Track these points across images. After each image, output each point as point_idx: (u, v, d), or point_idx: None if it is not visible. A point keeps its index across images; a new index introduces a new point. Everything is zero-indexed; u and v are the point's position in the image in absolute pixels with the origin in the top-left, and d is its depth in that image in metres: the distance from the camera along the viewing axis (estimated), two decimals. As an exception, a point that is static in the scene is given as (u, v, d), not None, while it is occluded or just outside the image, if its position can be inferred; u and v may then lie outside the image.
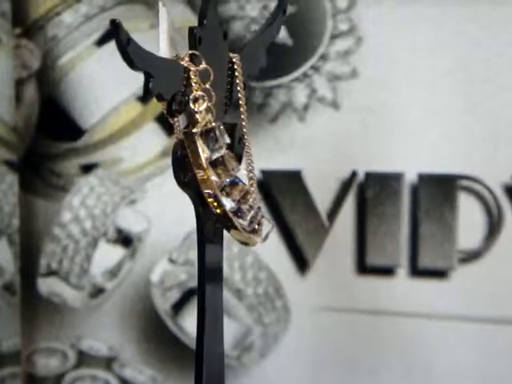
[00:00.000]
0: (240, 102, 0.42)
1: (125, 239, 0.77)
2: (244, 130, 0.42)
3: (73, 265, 0.78)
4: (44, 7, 0.76)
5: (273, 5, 0.71)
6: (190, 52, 0.39)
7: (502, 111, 0.67)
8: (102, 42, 0.75)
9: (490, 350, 0.70)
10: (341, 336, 0.73)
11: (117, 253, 0.78)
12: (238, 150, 0.43)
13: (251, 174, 0.43)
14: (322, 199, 0.72)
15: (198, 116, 0.39)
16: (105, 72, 0.75)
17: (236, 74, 0.42)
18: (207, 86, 0.40)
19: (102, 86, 0.76)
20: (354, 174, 0.70)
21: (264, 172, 0.72)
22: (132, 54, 0.37)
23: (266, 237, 0.42)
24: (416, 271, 0.70)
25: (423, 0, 0.67)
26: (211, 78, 0.40)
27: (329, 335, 0.73)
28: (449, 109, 0.68)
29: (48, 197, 0.78)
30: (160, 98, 0.38)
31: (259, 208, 0.42)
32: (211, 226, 0.43)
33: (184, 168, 0.41)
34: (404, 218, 0.70)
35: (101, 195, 0.77)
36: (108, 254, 0.78)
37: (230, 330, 0.75)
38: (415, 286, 0.71)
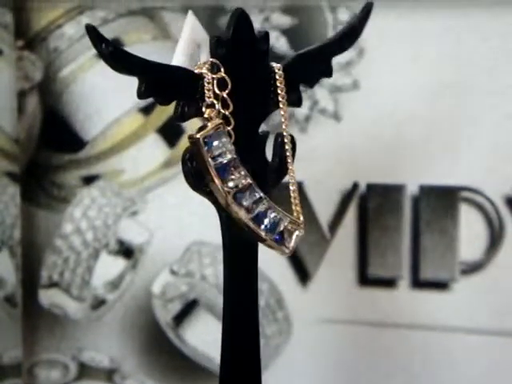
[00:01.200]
0: (281, 112, 0.43)
1: (126, 251, 0.77)
2: (285, 139, 0.44)
3: (74, 276, 0.78)
4: (46, 19, 0.76)
5: (274, 17, 0.71)
6: (210, 60, 0.41)
7: (502, 122, 0.67)
8: (103, 53, 0.75)
9: (493, 361, 0.69)
10: (342, 348, 0.73)
11: (118, 264, 0.78)
12: (276, 158, 0.44)
13: (292, 181, 0.44)
14: (324, 211, 0.72)
15: (208, 123, 0.40)
16: (106, 84, 0.75)
17: (277, 84, 0.43)
18: (224, 94, 0.41)
19: (104, 98, 0.76)
20: (355, 186, 0.70)
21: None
22: (111, 58, 0.38)
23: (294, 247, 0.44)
24: (418, 283, 0.70)
25: (425, 12, 0.68)
26: (229, 86, 0.41)
27: (330, 347, 0.73)
28: (450, 120, 0.68)
29: (49, 208, 0.78)
30: (159, 102, 0.40)
31: (282, 215, 0.43)
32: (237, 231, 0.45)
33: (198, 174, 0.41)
34: (405, 229, 0.70)
35: (102, 207, 0.77)
36: (109, 266, 0.78)
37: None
38: (417, 298, 0.71)
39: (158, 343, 0.77)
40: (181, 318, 0.77)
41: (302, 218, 0.45)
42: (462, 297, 0.69)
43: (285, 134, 0.43)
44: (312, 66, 0.45)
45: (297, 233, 0.44)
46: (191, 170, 0.41)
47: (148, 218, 0.76)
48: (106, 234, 0.77)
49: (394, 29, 0.69)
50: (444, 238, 0.69)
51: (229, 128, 0.41)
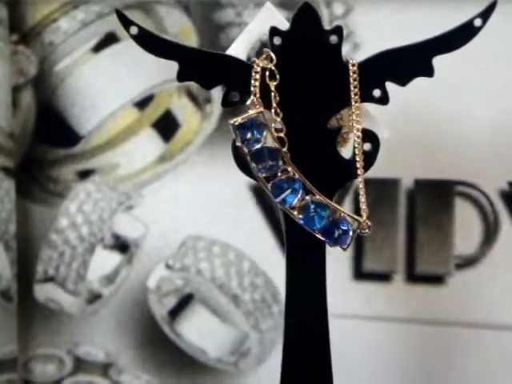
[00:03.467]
0: (352, 109, 0.43)
1: (122, 245, 0.77)
2: (357, 133, 0.43)
3: (70, 271, 0.78)
4: (41, 13, 0.76)
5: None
6: (266, 50, 0.42)
7: (498, 117, 0.67)
8: (98, 48, 0.75)
9: (487, 355, 0.70)
10: (337, 342, 0.73)
11: (114, 259, 0.78)
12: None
13: (360, 180, 0.43)
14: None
15: (249, 110, 0.42)
16: (102, 78, 0.75)
17: (351, 80, 0.43)
18: (272, 85, 0.42)
19: (99, 92, 0.76)
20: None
21: (261, 178, 0.72)
22: (138, 40, 0.43)
23: (349, 244, 0.43)
24: (413, 277, 0.70)
25: (420, 7, 0.67)
26: (277, 78, 0.42)
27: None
28: (445, 115, 0.68)
29: (45, 203, 0.78)
30: (201, 86, 0.43)
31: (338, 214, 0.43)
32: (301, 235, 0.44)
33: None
34: (401, 223, 0.70)
35: (98, 201, 0.77)
36: (105, 260, 0.78)
37: (227, 336, 0.75)
38: (412, 292, 0.71)
39: (154, 337, 0.77)
40: (176, 312, 0.77)
41: (365, 217, 0.43)
42: (456, 291, 0.69)
43: (355, 131, 0.43)
44: (405, 63, 0.44)
45: (351, 233, 0.43)
46: (235, 154, 0.43)
47: (143, 212, 0.76)
48: (102, 229, 0.77)
49: (389, 23, 0.69)
50: (439, 233, 0.69)
51: (278, 119, 0.42)
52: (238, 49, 0.44)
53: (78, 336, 0.79)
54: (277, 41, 0.43)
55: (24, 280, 0.79)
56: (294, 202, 0.43)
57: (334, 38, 0.43)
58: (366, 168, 0.44)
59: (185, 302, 0.76)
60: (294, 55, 0.43)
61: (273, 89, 0.42)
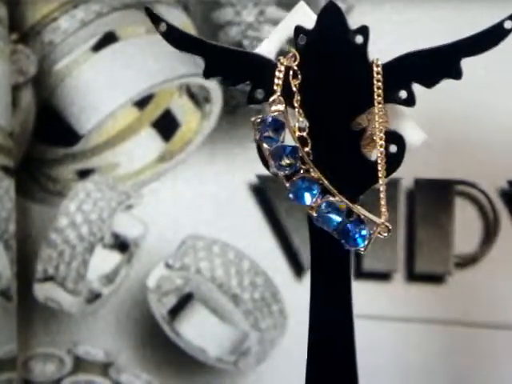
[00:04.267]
0: (375, 110, 0.42)
1: (121, 244, 0.77)
2: (380, 135, 0.42)
3: (69, 270, 0.78)
4: (40, 13, 0.76)
5: (269, 10, 0.71)
6: (292, 51, 0.42)
7: (497, 117, 0.67)
8: (98, 47, 0.75)
9: (487, 354, 0.70)
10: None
11: (113, 258, 0.78)
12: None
13: (381, 182, 0.42)
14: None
15: (269, 107, 0.42)
16: (101, 77, 0.75)
17: (374, 81, 0.42)
18: (293, 84, 0.42)
19: (99, 92, 0.76)
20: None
21: (260, 177, 0.72)
22: (166, 37, 0.44)
23: (366, 246, 0.42)
24: (412, 276, 0.70)
25: (419, 6, 0.67)
26: (299, 77, 0.42)
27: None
28: (445, 114, 0.68)
29: (44, 202, 0.78)
30: (223, 83, 0.44)
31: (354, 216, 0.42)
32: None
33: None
34: (401, 223, 0.70)
35: (97, 200, 0.77)
36: (105, 260, 0.78)
37: (227, 336, 0.75)
38: (412, 291, 0.71)
39: (153, 337, 0.77)
40: (176, 311, 0.77)
41: (383, 220, 0.42)
42: (456, 290, 0.69)
43: (377, 132, 0.42)
44: (432, 65, 0.43)
45: (368, 235, 0.42)
46: (259, 150, 0.44)
47: (143, 211, 0.76)
48: (101, 228, 0.77)
49: (389, 23, 0.69)
50: (439, 232, 0.69)
51: (300, 118, 0.42)
52: (268, 47, 0.44)
53: (78, 335, 0.79)
54: (301, 40, 0.43)
55: (24, 279, 0.79)
56: (312, 202, 0.43)
57: (359, 38, 0.43)
58: (391, 171, 0.43)
59: (184, 301, 0.76)
60: (318, 54, 0.42)
61: (295, 88, 0.42)
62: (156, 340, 0.77)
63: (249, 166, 0.73)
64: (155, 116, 0.75)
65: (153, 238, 0.76)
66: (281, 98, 0.42)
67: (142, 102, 0.75)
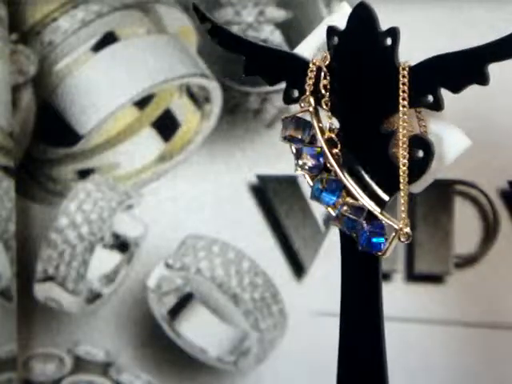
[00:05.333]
0: (399, 114, 0.41)
1: (121, 244, 0.77)
2: (403, 139, 0.41)
3: (69, 270, 0.78)
4: (40, 13, 0.76)
5: (269, 10, 0.71)
6: (325, 52, 0.42)
7: (498, 116, 0.67)
8: (98, 47, 0.75)
9: (486, 354, 0.70)
10: (337, 341, 0.73)
11: (113, 258, 0.78)
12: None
13: (402, 188, 0.41)
14: (319, 204, 0.71)
15: (300, 105, 0.42)
16: (101, 77, 0.75)
17: (400, 85, 0.41)
18: (321, 84, 0.42)
19: (99, 92, 0.76)
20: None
21: (260, 177, 0.72)
22: (210, 34, 0.44)
23: (386, 251, 0.42)
24: (412, 276, 0.70)
25: (420, 7, 0.67)
26: (327, 77, 0.42)
27: (325, 340, 0.73)
28: (445, 114, 0.68)
29: (44, 202, 0.78)
30: (265, 82, 0.44)
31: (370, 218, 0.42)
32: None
33: None
34: (400, 223, 0.70)
35: (97, 200, 0.77)
36: (105, 259, 0.78)
37: (227, 335, 0.75)
38: (411, 291, 0.71)
39: (154, 337, 0.77)
40: (176, 311, 0.77)
41: (401, 225, 0.41)
42: (456, 290, 0.69)
43: (401, 137, 0.41)
44: (456, 69, 0.41)
45: (384, 239, 0.42)
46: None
47: (143, 211, 0.76)
48: (102, 228, 0.77)
49: (389, 23, 0.68)
50: (439, 232, 0.69)
51: (329, 120, 0.42)
52: (307, 47, 0.44)
53: (78, 335, 0.79)
54: (332, 40, 0.42)
55: (24, 279, 0.79)
56: (333, 202, 0.42)
57: (387, 40, 0.42)
58: (416, 176, 0.42)
59: (185, 301, 0.76)
60: (348, 55, 0.42)
61: (323, 89, 0.42)
62: (156, 340, 0.77)
63: (249, 166, 0.73)
64: (155, 116, 0.75)
65: (153, 237, 0.76)
66: (310, 98, 0.42)
67: (142, 102, 0.75)
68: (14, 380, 0.80)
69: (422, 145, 0.41)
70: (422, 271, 0.69)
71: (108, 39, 0.75)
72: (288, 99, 0.44)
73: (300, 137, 0.42)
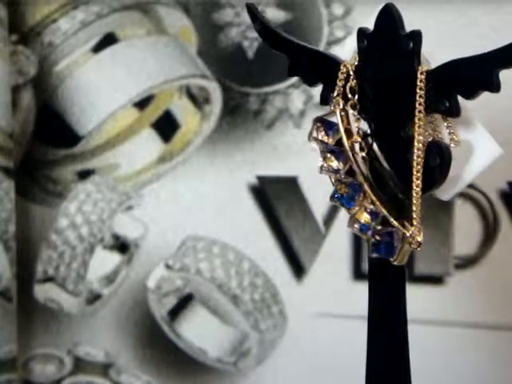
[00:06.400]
0: (415, 119, 0.40)
1: (121, 245, 0.77)
2: (418, 145, 0.40)
3: (69, 271, 0.78)
4: (40, 14, 0.76)
5: (269, 11, 0.71)
6: (356, 53, 0.42)
7: (497, 117, 0.67)
8: (98, 48, 0.75)
9: (486, 355, 0.70)
10: (337, 342, 0.73)
11: (113, 259, 0.78)
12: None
13: (414, 194, 0.41)
14: (319, 205, 0.72)
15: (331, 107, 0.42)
16: (101, 78, 0.75)
17: (417, 90, 0.40)
18: (347, 86, 0.42)
19: (99, 93, 0.76)
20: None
21: (260, 178, 0.72)
22: (259, 34, 0.44)
23: (402, 258, 0.41)
24: (412, 277, 0.70)
25: (420, 8, 0.67)
26: (354, 80, 0.42)
27: (325, 341, 0.73)
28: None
29: (44, 203, 0.78)
30: (305, 83, 0.44)
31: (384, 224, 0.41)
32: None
33: None
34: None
35: (97, 201, 0.77)
36: (105, 260, 0.78)
37: (227, 336, 0.75)
38: (411, 292, 0.70)
39: (153, 337, 0.77)
40: (176, 312, 0.77)
41: (411, 232, 0.40)
42: (456, 291, 0.69)
43: (416, 143, 0.40)
44: (468, 75, 0.40)
45: (395, 245, 0.41)
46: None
47: (143, 212, 0.76)
48: (101, 229, 0.77)
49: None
50: (439, 233, 0.69)
51: (356, 123, 0.41)
52: (346, 48, 0.44)
53: (78, 336, 0.79)
54: (362, 42, 0.42)
55: (24, 280, 0.79)
56: (352, 206, 0.42)
57: (409, 43, 0.41)
58: (432, 184, 0.41)
59: (184, 302, 0.76)
60: (373, 58, 0.42)
61: (349, 91, 0.42)
62: (156, 341, 0.77)
63: (249, 167, 0.73)
64: (155, 117, 0.75)
65: (153, 238, 0.76)
66: (338, 100, 0.42)
67: (142, 103, 0.75)
68: (14, 381, 0.80)
69: (437, 151, 0.40)
70: (421, 272, 0.69)
71: (108, 40, 0.75)
72: (323, 101, 0.44)
73: (326, 139, 0.42)
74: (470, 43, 0.67)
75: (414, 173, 0.40)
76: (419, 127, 0.40)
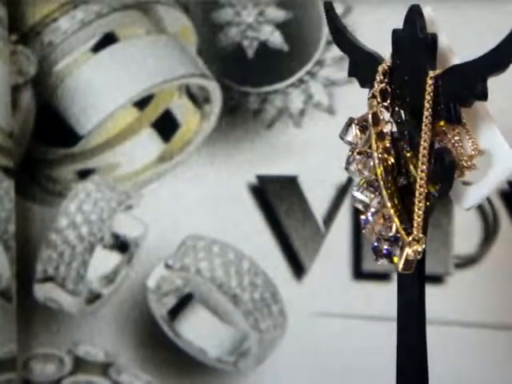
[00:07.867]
0: (423, 123, 0.39)
1: (121, 245, 0.77)
2: (423, 151, 0.39)
3: (69, 270, 0.78)
4: (40, 13, 0.76)
5: (269, 10, 0.71)
6: (390, 53, 0.42)
7: (497, 117, 0.67)
8: (98, 48, 0.75)
9: (486, 355, 0.70)
10: (337, 341, 0.73)
11: (113, 258, 0.78)
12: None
13: (418, 197, 0.40)
14: (319, 205, 0.72)
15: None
16: (101, 78, 0.75)
17: (426, 95, 0.39)
18: (379, 88, 0.41)
19: (99, 92, 0.76)
20: (350, 180, 0.70)
21: (260, 177, 0.73)
22: (335, 38, 0.44)
23: (406, 265, 0.40)
24: (412, 276, 0.70)
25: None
26: (383, 82, 0.41)
27: (325, 340, 0.73)
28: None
29: (44, 202, 0.78)
30: (360, 83, 0.43)
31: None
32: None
33: None
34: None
35: (97, 201, 0.77)
36: (104, 260, 0.78)
37: (227, 336, 0.75)
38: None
39: (153, 337, 0.77)
40: (176, 311, 0.77)
41: (411, 238, 0.39)
42: (456, 291, 0.69)
43: (421, 149, 0.39)
44: (464, 81, 0.39)
45: (406, 250, 0.39)
46: None
47: (143, 212, 0.76)
48: (101, 228, 0.77)
49: (389, 23, 0.68)
50: (438, 232, 0.69)
51: (386, 126, 0.41)
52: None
53: (78, 335, 0.79)
54: (394, 44, 0.42)
55: (24, 280, 0.79)
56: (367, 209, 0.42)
57: (422, 47, 0.40)
58: (440, 191, 0.40)
59: (184, 301, 0.76)
60: (399, 61, 0.41)
61: (379, 94, 0.41)
62: (156, 340, 0.77)
63: (249, 167, 0.73)
64: (155, 116, 0.75)
65: (153, 238, 0.76)
66: (372, 101, 0.41)
67: (142, 103, 0.75)
68: (14, 380, 0.80)
69: (441, 159, 0.39)
70: (421, 271, 0.69)
71: (108, 40, 0.75)
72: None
73: (356, 140, 0.41)
74: (467, 42, 0.67)
75: (418, 180, 0.39)
76: (425, 133, 0.39)
